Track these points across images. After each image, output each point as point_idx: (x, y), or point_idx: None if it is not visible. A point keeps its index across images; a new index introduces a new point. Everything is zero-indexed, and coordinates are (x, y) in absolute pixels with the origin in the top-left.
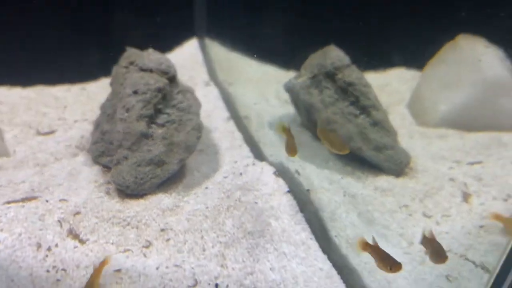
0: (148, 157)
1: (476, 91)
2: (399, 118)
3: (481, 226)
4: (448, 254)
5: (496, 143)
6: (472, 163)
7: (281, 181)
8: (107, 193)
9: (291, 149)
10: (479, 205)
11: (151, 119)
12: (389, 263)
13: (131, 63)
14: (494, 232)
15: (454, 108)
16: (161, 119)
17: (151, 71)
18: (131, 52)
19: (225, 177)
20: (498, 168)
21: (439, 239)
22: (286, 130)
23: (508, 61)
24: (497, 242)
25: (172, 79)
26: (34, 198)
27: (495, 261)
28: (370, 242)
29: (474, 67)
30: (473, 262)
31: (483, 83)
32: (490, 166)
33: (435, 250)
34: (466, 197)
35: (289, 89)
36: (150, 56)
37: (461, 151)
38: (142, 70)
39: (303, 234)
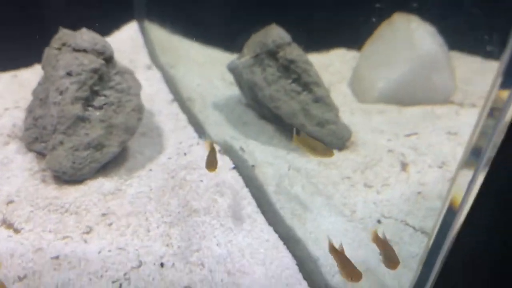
0: (85, 140)
1: (410, 67)
2: (341, 96)
3: (419, 193)
4: (389, 220)
5: (430, 115)
6: (408, 135)
7: (226, 159)
8: (43, 180)
9: (210, 163)
10: (416, 173)
11: (87, 102)
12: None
13: (64, 44)
14: (431, 197)
15: (390, 84)
16: (98, 101)
17: (85, 51)
18: (63, 33)
19: (169, 158)
20: (433, 138)
21: (380, 207)
22: (209, 145)
23: (440, 36)
24: (434, 207)
25: (109, 59)
26: None
27: (433, 225)
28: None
29: (407, 44)
30: (413, 227)
31: (416, 59)
32: (425, 137)
33: (388, 255)
34: (404, 166)
35: (232, 69)
36: (84, 36)
37: (398, 125)
38: (76, 50)
39: (249, 208)
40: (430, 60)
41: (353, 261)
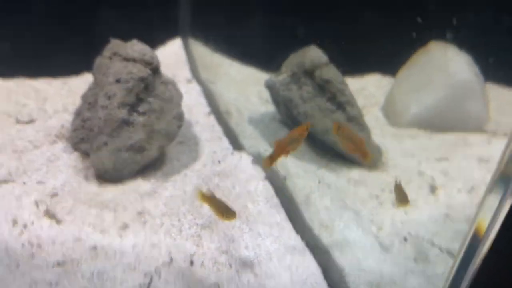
0: (128, 143)
1: (445, 94)
2: (373, 119)
3: (446, 215)
4: (415, 239)
5: (462, 142)
6: (439, 159)
7: (258, 169)
8: (86, 177)
9: (225, 212)
10: (445, 197)
11: (132, 107)
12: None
13: (115, 53)
14: (459, 220)
15: (424, 110)
16: (143, 107)
17: (134, 60)
18: (115, 43)
19: (204, 166)
20: (464, 164)
21: (407, 226)
22: (201, 196)
23: (476, 66)
24: (461, 230)
25: (155, 69)
26: (12, 181)
27: (460, 247)
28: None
29: (443, 71)
30: (439, 248)
31: (451, 87)
32: (456, 162)
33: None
34: (433, 189)
35: (270, 86)
36: (134, 47)
37: (429, 149)
38: (126, 59)
39: (278, 216)
40: (465, 88)
41: (378, 275)
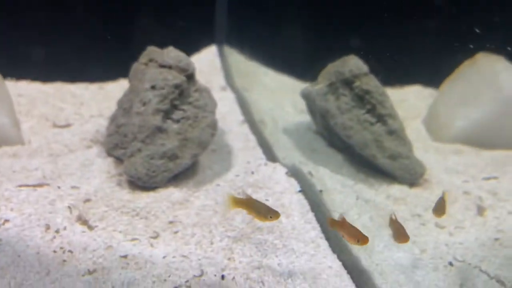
0: (161, 150)
1: (493, 108)
2: (414, 133)
3: (496, 239)
4: (461, 264)
5: None
6: (487, 178)
7: (293, 181)
8: (119, 184)
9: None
10: (494, 219)
11: (166, 114)
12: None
13: (151, 60)
14: (510, 245)
15: (470, 124)
16: (177, 114)
17: (170, 67)
18: (151, 50)
19: (237, 176)
20: None
21: (452, 249)
22: (241, 202)
23: None
24: None
25: (190, 76)
26: (46, 184)
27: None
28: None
29: (492, 85)
30: (488, 274)
31: (501, 101)
32: (505, 182)
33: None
34: (480, 210)
35: (306, 95)
36: (170, 53)
37: (476, 167)
38: (161, 66)
39: (313, 232)
40: None
41: None
